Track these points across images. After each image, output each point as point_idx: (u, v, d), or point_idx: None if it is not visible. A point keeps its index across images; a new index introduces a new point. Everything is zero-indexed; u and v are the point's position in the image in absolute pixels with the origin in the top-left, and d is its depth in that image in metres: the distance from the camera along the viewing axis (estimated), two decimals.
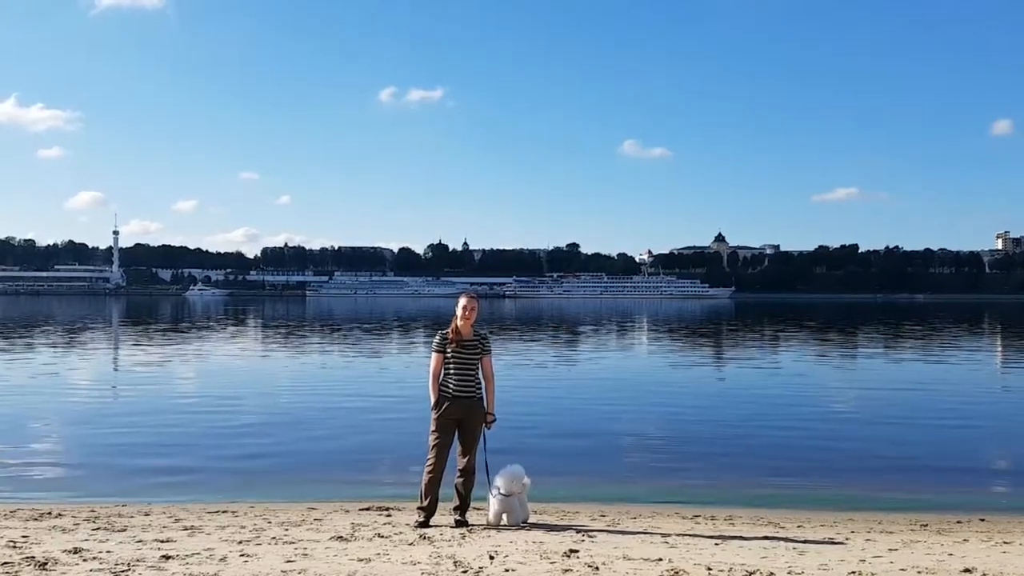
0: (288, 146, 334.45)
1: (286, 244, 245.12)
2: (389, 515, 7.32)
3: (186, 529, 6.47)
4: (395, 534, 6.26)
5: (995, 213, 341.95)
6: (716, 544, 6.10)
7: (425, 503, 6.68)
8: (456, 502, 6.76)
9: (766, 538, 6.45)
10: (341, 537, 6.10)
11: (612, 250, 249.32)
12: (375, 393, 17.14)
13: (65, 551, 5.40)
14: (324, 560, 5.26)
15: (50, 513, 7.21)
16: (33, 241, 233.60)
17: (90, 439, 11.69)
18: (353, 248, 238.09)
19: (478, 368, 6.81)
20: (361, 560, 5.25)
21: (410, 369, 21.81)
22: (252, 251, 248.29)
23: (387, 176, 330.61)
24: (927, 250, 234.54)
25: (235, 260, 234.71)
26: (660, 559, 5.36)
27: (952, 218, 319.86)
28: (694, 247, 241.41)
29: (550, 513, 7.47)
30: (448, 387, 6.71)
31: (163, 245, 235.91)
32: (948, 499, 8.68)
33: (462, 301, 6.80)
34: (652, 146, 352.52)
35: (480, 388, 6.82)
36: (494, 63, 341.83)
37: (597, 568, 5.08)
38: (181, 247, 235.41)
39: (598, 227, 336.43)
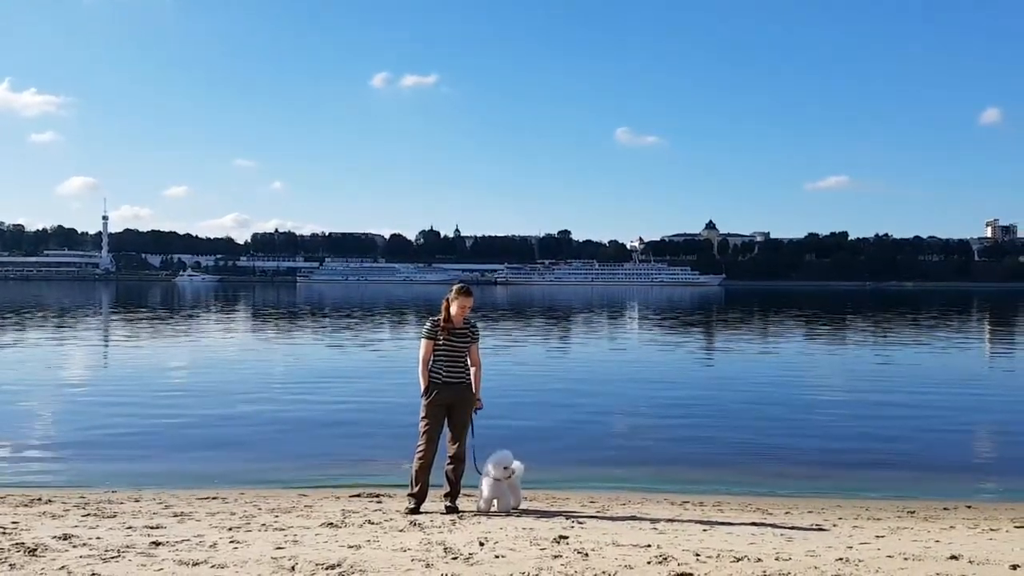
0: (281, 132, 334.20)
1: (276, 230, 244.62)
2: (379, 502, 7.33)
3: (176, 515, 6.46)
4: (385, 520, 6.27)
5: (984, 201, 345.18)
6: (704, 530, 6.14)
7: (415, 490, 6.70)
8: (446, 488, 6.78)
9: (754, 524, 6.49)
10: (331, 524, 6.10)
11: (603, 237, 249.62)
12: (365, 380, 17.13)
13: (55, 537, 5.39)
14: (314, 546, 5.27)
15: (40, 499, 7.19)
16: (22, 226, 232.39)
17: (80, 425, 11.64)
18: (344, 234, 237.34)
19: (467, 355, 6.83)
20: (351, 547, 5.26)
21: (400, 356, 21.80)
22: (242, 237, 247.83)
23: (379, 162, 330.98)
24: (916, 238, 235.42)
25: (225, 246, 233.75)
26: (649, 545, 5.38)
27: (941, 206, 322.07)
28: (685, 234, 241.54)
29: (540, 499, 7.51)
30: (439, 374, 6.72)
31: (153, 230, 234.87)
32: (935, 486, 8.74)
33: (458, 299, 6.77)
34: (645, 133, 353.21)
35: (469, 374, 6.84)
36: (488, 49, 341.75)
37: (586, 554, 5.10)
38: (171, 232, 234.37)
39: (590, 214, 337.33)
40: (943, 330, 35.93)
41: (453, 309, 6.75)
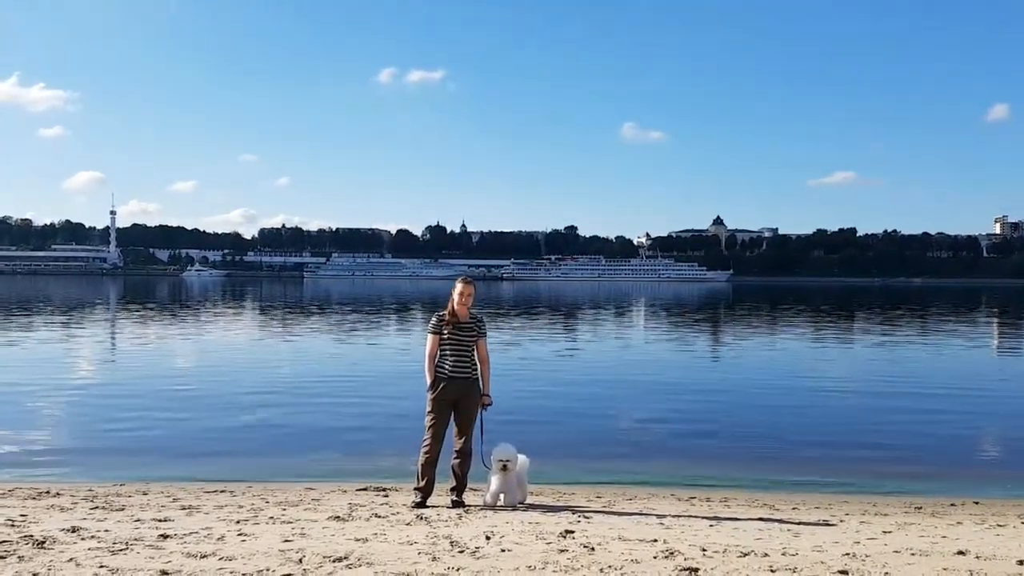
0: (288, 127, 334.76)
1: (283, 225, 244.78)
2: (386, 495, 7.35)
3: (184, 508, 6.49)
4: (392, 514, 6.29)
5: (993, 197, 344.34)
6: (711, 525, 6.13)
7: (422, 484, 6.72)
8: (452, 483, 6.79)
9: (761, 520, 6.49)
10: (338, 517, 6.12)
11: (610, 233, 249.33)
12: (372, 374, 17.16)
13: (63, 530, 5.42)
14: (321, 539, 5.28)
15: (48, 492, 7.23)
16: (30, 221, 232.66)
17: (88, 418, 11.70)
18: (351, 230, 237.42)
19: (474, 350, 6.82)
20: (358, 540, 5.28)
21: (407, 351, 21.83)
22: (249, 232, 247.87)
23: (386, 158, 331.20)
24: (925, 234, 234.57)
25: (232, 241, 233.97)
26: (655, 540, 5.38)
27: (950, 202, 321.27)
28: (692, 230, 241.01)
29: (547, 494, 7.51)
30: (444, 368, 6.73)
31: (160, 225, 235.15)
32: (942, 482, 8.72)
33: (459, 287, 6.81)
34: (651, 129, 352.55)
35: (476, 369, 6.83)
36: (495, 45, 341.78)
37: (593, 549, 5.10)
38: (178, 228, 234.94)
39: (596, 210, 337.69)
40: (951, 327, 35.80)
41: (455, 298, 6.76)
